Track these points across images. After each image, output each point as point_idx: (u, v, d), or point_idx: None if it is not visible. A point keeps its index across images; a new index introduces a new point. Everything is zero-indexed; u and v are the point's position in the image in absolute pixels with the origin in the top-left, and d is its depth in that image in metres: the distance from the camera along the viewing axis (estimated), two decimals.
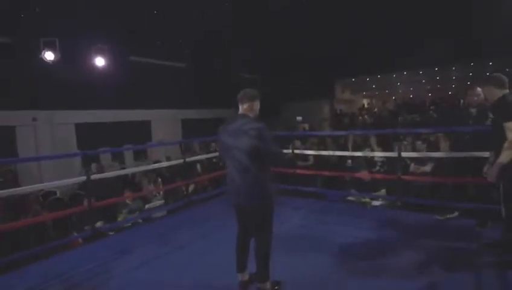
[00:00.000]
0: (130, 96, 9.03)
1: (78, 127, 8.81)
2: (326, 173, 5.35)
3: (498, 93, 2.68)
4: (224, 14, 8.65)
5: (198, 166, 6.57)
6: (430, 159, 4.45)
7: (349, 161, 6.07)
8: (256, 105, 2.44)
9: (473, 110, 3.55)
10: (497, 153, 2.64)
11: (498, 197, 2.83)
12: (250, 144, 2.23)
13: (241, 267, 2.54)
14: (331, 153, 5.51)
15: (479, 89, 3.47)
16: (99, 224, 4.27)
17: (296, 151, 5.53)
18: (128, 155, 9.89)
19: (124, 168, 7.59)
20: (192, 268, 2.97)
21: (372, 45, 11.49)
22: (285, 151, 5.84)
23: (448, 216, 3.71)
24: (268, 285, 2.38)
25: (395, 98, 19.15)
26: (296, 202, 5.01)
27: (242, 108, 2.42)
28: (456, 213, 3.71)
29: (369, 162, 5.32)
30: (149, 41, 8.39)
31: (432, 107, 13.79)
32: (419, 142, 5.08)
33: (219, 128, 2.47)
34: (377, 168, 5.16)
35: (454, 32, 9.78)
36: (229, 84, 11.74)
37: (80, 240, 3.82)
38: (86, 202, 3.97)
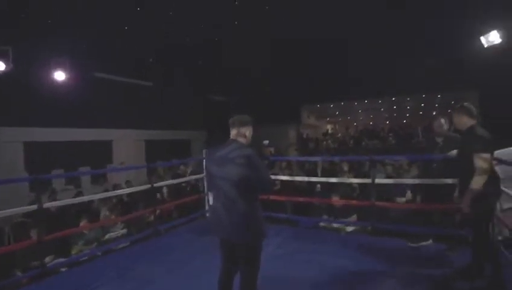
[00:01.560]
0: (90, 114, 8.44)
1: (28, 146, 7.96)
2: (298, 199, 5.27)
3: (469, 122, 2.84)
4: (193, 35, 8.60)
5: (165, 191, 6.16)
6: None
7: (318, 186, 6.10)
8: (249, 131, 2.35)
9: (439, 140, 3.73)
10: (463, 180, 2.77)
11: (460, 222, 2.94)
12: (238, 173, 2.08)
13: None
14: (304, 178, 5.45)
15: (442, 120, 3.69)
16: (48, 259, 3.71)
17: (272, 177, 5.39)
18: (85, 178, 9.11)
19: (80, 193, 6.91)
20: None
21: (336, 73, 12.10)
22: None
23: (422, 243, 3.76)
24: None
25: (356, 125, 20.19)
26: (269, 229, 4.80)
27: (233, 133, 2.30)
28: (431, 240, 3.77)
29: (343, 188, 5.36)
30: (115, 58, 8.00)
31: (390, 134, 14.65)
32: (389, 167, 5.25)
33: (205, 154, 2.30)
34: (354, 194, 5.20)
35: (408, 65, 10.64)
36: (197, 105, 11.55)
37: (25, 280, 3.26)
38: (33, 234, 3.44)
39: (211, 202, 2.31)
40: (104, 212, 5.19)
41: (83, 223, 4.50)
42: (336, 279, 3.08)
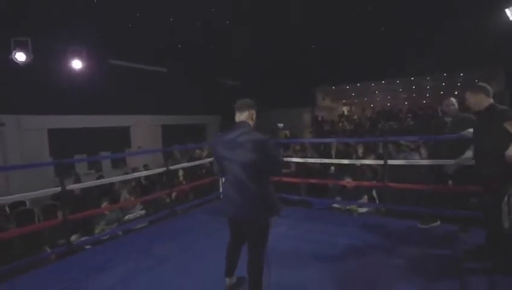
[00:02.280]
0: (108, 101, 8.68)
1: (52, 133, 8.34)
2: (311, 181, 5.31)
3: (486, 101, 2.77)
4: (207, 20, 8.56)
5: (181, 174, 6.35)
6: None
7: (332, 168, 6.10)
8: (254, 114, 2.38)
9: (448, 120, 3.65)
10: (480, 160, 2.75)
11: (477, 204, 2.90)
12: (247, 157, 2.13)
13: (230, 272, 2.51)
14: (316, 160, 5.46)
15: (452, 99, 3.64)
16: (74, 237, 3.98)
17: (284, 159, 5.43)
18: (106, 162, 9.48)
19: (101, 176, 7.23)
20: (174, 285, 2.79)
21: (352, 54, 11.78)
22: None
23: (432, 225, 3.74)
24: None
25: (373, 106, 19.72)
26: (282, 210, 4.90)
27: (240, 116, 2.34)
28: (439, 222, 3.76)
29: (355, 170, 5.34)
30: (130, 45, 8.12)
31: (409, 115, 14.26)
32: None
33: (213, 138, 2.38)
34: (368, 176, 5.19)
35: (429, 44, 10.21)
36: (211, 90, 11.61)
37: (53, 256, 3.52)
38: (60, 214, 3.68)
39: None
40: (124, 195, 5.44)
41: (104, 204, 4.75)
42: (346, 259, 3.14)
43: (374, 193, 4.83)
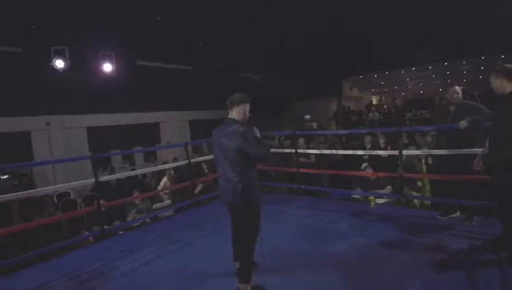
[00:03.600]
0: (138, 99, 9.28)
1: (90, 130, 9.11)
2: (331, 172, 5.38)
3: (508, 87, 2.61)
4: (229, 15, 8.71)
5: (205, 166, 6.69)
6: None
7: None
8: (245, 109, 2.53)
9: (452, 108, 3.59)
10: (498, 148, 2.63)
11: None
12: (228, 148, 2.39)
13: (237, 256, 2.69)
14: (334, 151, 5.52)
15: (457, 88, 3.60)
16: (108, 225, 4.45)
17: (300, 150, 5.57)
18: (139, 156, 10.15)
19: (134, 169, 7.81)
20: (193, 268, 3.07)
21: (380, 41, 11.37)
22: (287, 150, 5.91)
23: (451, 216, 3.70)
24: (248, 288, 2.40)
25: (404, 94, 18.90)
26: (301, 200, 5.07)
27: (231, 113, 2.54)
28: (458, 213, 3.71)
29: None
30: (154, 46, 8.59)
31: (443, 102, 13.51)
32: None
33: (212, 132, 2.61)
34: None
35: (462, 27, 9.60)
36: (237, 84, 11.86)
37: (91, 239, 4.00)
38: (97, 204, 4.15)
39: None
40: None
41: (135, 195, 5.21)
42: (360, 249, 3.21)
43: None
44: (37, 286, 2.94)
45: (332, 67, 13.20)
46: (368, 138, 5.60)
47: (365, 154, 5.07)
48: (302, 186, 5.24)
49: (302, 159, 6.06)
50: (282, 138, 7.67)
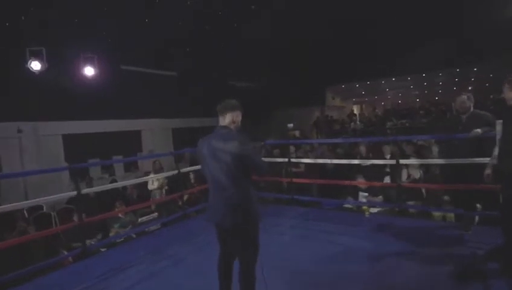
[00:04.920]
0: (119, 105, 8.82)
1: (66, 138, 8.54)
2: (324, 181, 5.27)
3: None
4: (215, 23, 8.61)
5: (192, 177, 6.41)
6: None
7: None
8: (238, 116, 2.26)
9: (463, 117, 3.56)
10: (508, 155, 2.59)
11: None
12: (228, 161, 2.08)
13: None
14: (328, 161, 5.44)
15: (465, 96, 3.53)
16: (89, 241, 4.07)
17: (293, 159, 5.45)
18: (119, 166, 9.65)
19: (114, 180, 7.37)
20: (187, 287, 2.83)
21: (362, 52, 11.65)
22: (279, 159, 5.79)
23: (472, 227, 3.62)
24: None
25: (384, 104, 19.47)
26: (294, 211, 4.92)
27: (223, 120, 2.24)
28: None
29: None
30: (140, 50, 8.26)
31: (421, 112, 14.00)
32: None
33: (198, 141, 2.29)
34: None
35: (440, 39, 10.01)
36: (221, 92, 11.67)
37: (70, 258, 3.62)
38: (75, 218, 3.78)
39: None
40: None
41: (118, 208, 4.84)
42: (354, 259, 3.11)
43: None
44: None
45: (317, 76, 13.38)
46: (362, 148, 5.57)
47: (361, 164, 4.99)
48: (295, 197, 5.11)
49: (293, 169, 5.95)
50: (269, 146, 7.56)
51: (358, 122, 14.63)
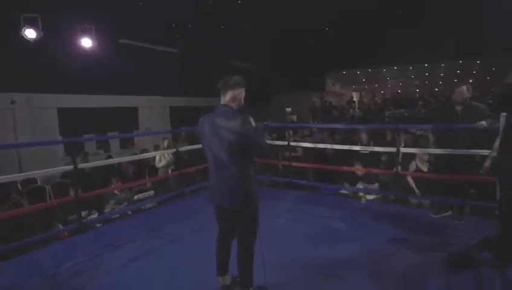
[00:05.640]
0: (116, 81, 8.63)
1: (61, 112, 8.38)
2: (322, 166, 5.27)
3: None
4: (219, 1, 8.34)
5: (187, 156, 6.37)
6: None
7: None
8: (240, 94, 2.14)
9: (459, 108, 3.55)
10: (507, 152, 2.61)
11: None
12: (230, 140, 2.01)
13: (223, 270, 2.36)
14: (329, 146, 5.41)
15: (464, 87, 3.52)
16: (83, 214, 4.05)
17: (292, 143, 5.42)
18: (114, 143, 9.55)
19: (109, 156, 7.30)
20: (184, 266, 2.82)
21: (364, 38, 11.46)
22: (279, 143, 5.76)
23: (444, 214, 3.72)
24: None
25: (383, 92, 19.36)
26: (291, 194, 4.93)
27: (224, 98, 2.13)
28: (450, 211, 3.73)
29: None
30: (139, 24, 7.97)
31: (420, 103, 13.97)
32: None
33: (199, 120, 2.20)
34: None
35: (445, 31, 9.87)
36: (221, 71, 11.46)
37: (66, 233, 3.60)
38: (71, 192, 3.74)
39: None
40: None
41: (114, 184, 4.80)
42: (349, 244, 3.13)
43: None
44: (9, 287, 2.57)
45: (317, 61, 13.20)
46: (363, 135, 5.55)
47: (360, 150, 4.98)
48: (293, 180, 5.12)
49: (292, 153, 5.93)
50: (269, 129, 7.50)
51: (357, 110, 14.59)
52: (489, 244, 2.93)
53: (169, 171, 5.95)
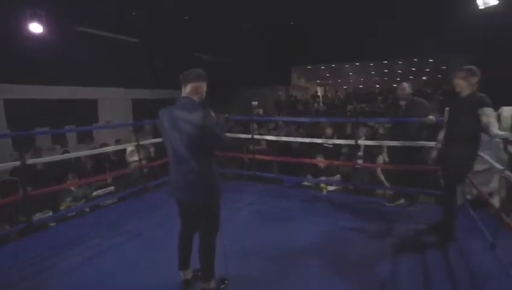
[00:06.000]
0: (73, 71, 8.08)
1: (8, 103, 7.72)
2: (286, 159, 5.38)
3: (467, 90, 2.80)
4: None
5: (152, 150, 6.19)
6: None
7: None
8: (202, 87, 2.14)
9: (403, 103, 3.87)
10: (456, 138, 2.85)
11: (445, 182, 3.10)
12: (190, 133, 1.98)
13: (184, 265, 2.36)
14: (292, 139, 5.53)
15: (405, 84, 3.90)
16: (38, 215, 3.80)
17: (256, 136, 5.47)
18: (72, 137, 9.00)
19: (66, 151, 6.87)
20: (145, 262, 2.77)
21: (328, 34, 11.77)
22: (243, 136, 5.79)
23: (397, 203, 4.00)
24: (213, 284, 2.24)
25: (346, 87, 20.10)
26: (254, 187, 5.00)
27: (185, 90, 2.11)
28: (403, 200, 4.02)
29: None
30: (98, 11, 7.47)
31: (379, 98, 14.71)
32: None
33: (159, 112, 2.16)
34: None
35: (402, 31, 10.42)
36: (187, 64, 11.18)
37: (14, 234, 3.36)
38: (20, 190, 3.48)
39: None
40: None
41: (70, 180, 4.54)
42: (310, 234, 3.25)
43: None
44: None
45: (283, 55, 13.35)
46: (328, 130, 5.74)
47: (325, 143, 5.17)
48: (257, 173, 5.18)
49: (256, 147, 5.99)
50: (233, 122, 7.52)
51: (321, 104, 15.02)
52: (433, 228, 3.21)
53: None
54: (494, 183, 3.48)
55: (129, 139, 5.94)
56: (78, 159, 6.26)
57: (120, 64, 9.26)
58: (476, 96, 2.74)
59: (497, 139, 2.76)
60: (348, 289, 2.31)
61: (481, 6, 5.06)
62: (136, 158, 5.79)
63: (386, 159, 4.76)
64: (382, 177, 4.79)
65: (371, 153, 4.91)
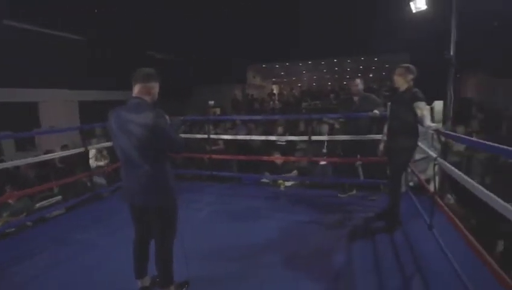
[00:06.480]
0: (7, 71, 7.28)
1: None
2: (244, 158, 5.43)
3: (405, 85, 3.06)
4: None
5: (105, 153, 5.86)
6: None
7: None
8: (154, 88, 2.08)
9: (356, 99, 4.14)
10: (397, 131, 3.09)
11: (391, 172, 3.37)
12: (139, 135, 1.90)
13: (141, 273, 2.28)
14: (248, 137, 5.60)
15: (358, 80, 4.14)
16: None
17: (213, 136, 5.45)
18: (8, 144, 8.13)
19: (2, 161, 6.24)
20: (99, 273, 2.63)
21: (281, 33, 12.06)
22: (200, 136, 5.73)
23: (349, 193, 4.25)
24: (172, 289, 2.19)
25: (301, 85, 20.75)
26: (213, 187, 4.99)
27: (136, 90, 2.04)
28: (355, 191, 4.28)
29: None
30: (36, 6, 6.79)
31: (332, 95, 15.42)
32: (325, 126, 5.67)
33: (108, 114, 2.05)
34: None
35: (349, 30, 11.02)
36: (138, 63, 10.70)
37: None
38: None
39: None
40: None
41: (8, 192, 4.12)
42: (269, 230, 3.32)
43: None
44: None
45: (238, 53, 13.39)
46: (280, 128, 5.90)
47: (278, 141, 5.30)
48: (214, 173, 5.16)
49: (213, 147, 5.99)
50: (189, 122, 7.44)
51: (277, 102, 15.34)
52: (381, 215, 3.48)
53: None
54: (430, 171, 3.86)
55: (77, 144, 5.55)
56: (17, 168, 5.70)
57: (64, 64, 8.56)
58: (411, 92, 3.01)
59: (430, 131, 3.06)
60: (308, 284, 2.39)
61: (414, 10, 5.58)
62: (102, 163, 5.48)
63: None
64: (360, 170, 5.00)
65: (334, 148, 5.13)
